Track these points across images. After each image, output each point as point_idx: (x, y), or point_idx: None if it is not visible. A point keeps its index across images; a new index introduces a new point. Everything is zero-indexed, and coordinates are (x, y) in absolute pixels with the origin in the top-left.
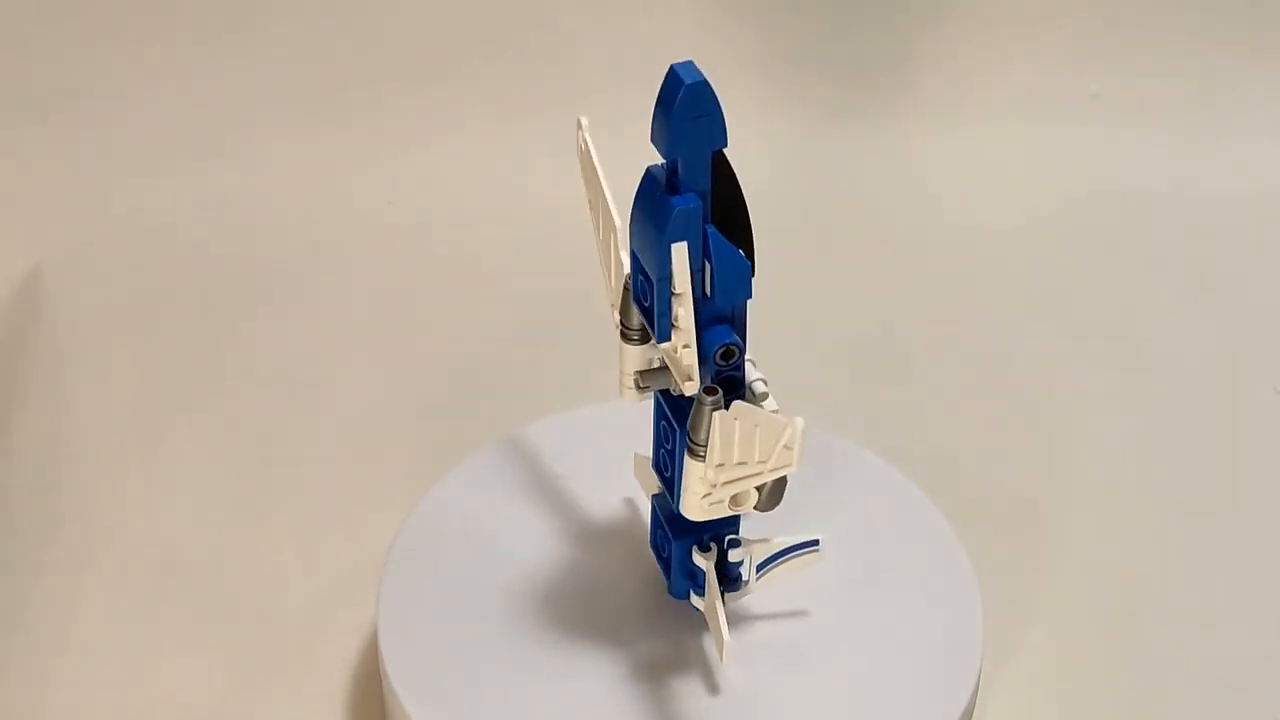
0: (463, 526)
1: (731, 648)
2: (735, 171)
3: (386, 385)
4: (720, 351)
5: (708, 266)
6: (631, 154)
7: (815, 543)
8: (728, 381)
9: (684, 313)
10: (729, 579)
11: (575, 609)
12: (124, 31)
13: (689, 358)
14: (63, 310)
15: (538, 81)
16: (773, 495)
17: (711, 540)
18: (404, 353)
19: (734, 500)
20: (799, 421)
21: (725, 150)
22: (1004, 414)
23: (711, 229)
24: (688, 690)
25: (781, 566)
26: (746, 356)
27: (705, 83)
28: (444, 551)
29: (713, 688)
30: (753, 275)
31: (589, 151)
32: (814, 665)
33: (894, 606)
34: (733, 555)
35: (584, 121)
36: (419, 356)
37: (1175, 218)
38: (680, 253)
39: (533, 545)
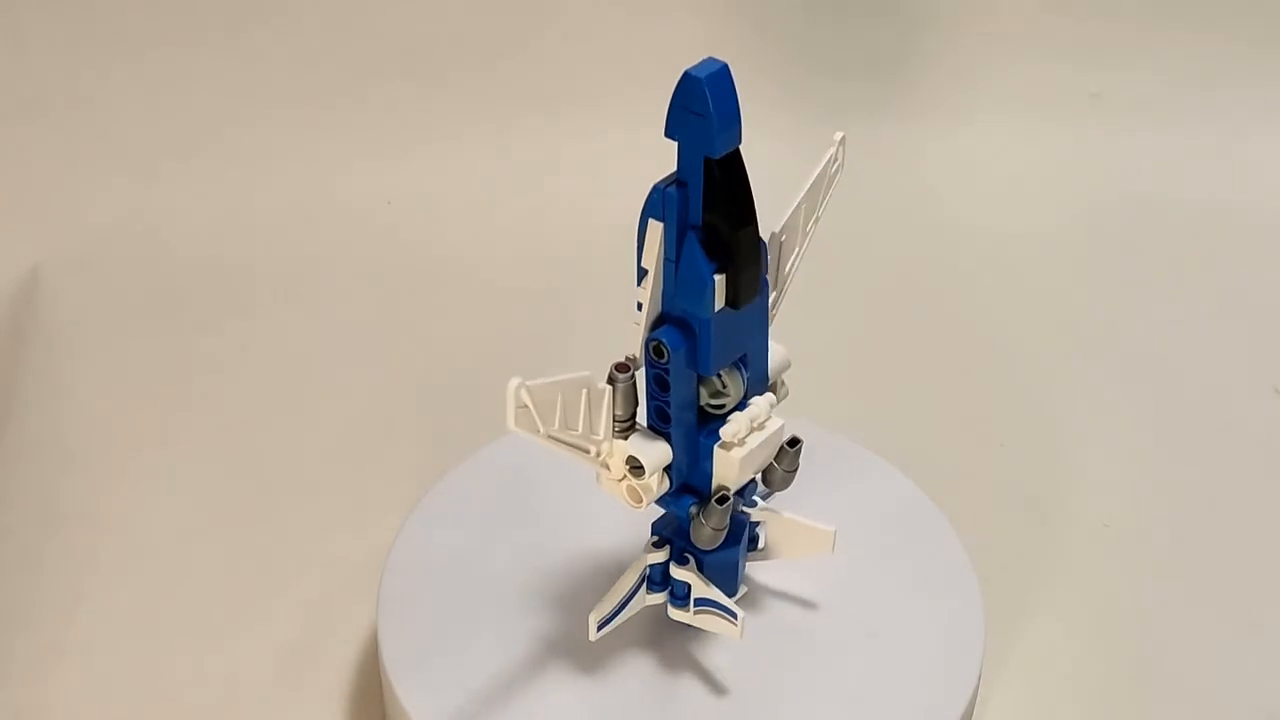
0: (463, 526)
1: (594, 622)
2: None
3: (386, 385)
4: (652, 345)
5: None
6: (630, 154)
7: (735, 615)
8: (659, 379)
9: (643, 292)
10: (675, 594)
11: (575, 608)
12: (124, 32)
13: (637, 335)
14: (62, 310)
15: (539, 82)
16: (712, 539)
17: (668, 543)
18: (404, 352)
19: (627, 491)
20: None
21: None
22: (1005, 414)
23: (693, 234)
24: (688, 690)
25: (706, 617)
26: (754, 402)
27: (701, 81)
28: (444, 552)
29: (714, 688)
30: (738, 303)
31: None
32: (814, 665)
33: (895, 606)
34: (674, 570)
35: None
36: (419, 356)
37: (1175, 217)
38: (654, 231)
39: (533, 545)
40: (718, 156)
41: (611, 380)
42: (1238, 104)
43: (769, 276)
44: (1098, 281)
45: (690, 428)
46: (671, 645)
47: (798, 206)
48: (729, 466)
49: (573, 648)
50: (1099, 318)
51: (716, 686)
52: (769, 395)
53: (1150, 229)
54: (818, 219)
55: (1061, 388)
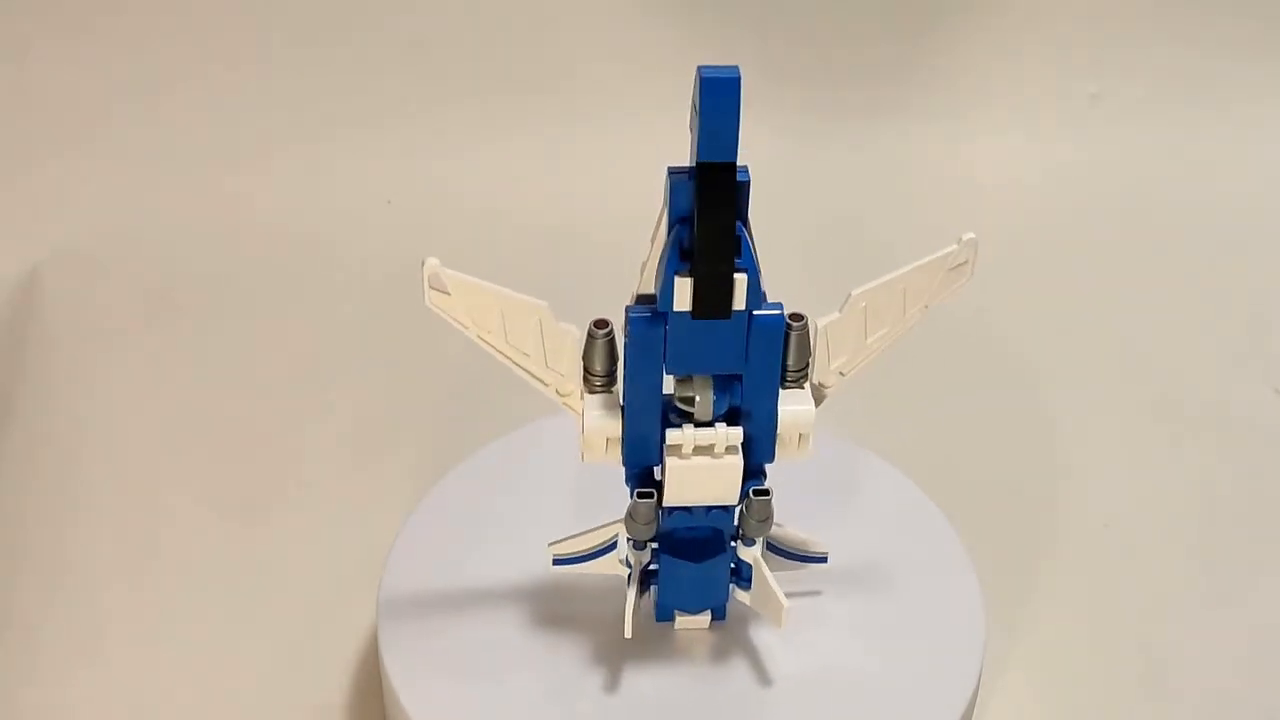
0: (463, 526)
1: (551, 553)
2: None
3: (387, 385)
4: (625, 318)
5: None
6: (626, 154)
7: (628, 616)
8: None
9: (645, 263)
10: (630, 577)
11: (576, 609)
12: (124, 32)
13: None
14: (62, 310)
15: (537, 82)
16: (638, 532)
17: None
18: (405, 352)
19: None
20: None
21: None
22: (1004, 414)
23: (681, 229)
24: (687, 689)
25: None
26: (717, 427)
27: (701, 79)
28: (444, 552)
29: (712, 688)
30: (695, 313)
31: None
32: (814, 665)
33: (894, 606)
34: (628, 551)
35: None
36: (420, 356)
37: (1175, 217)
38: (663, 215)
39: (534, 545)
40: (701, 160)
41: (590, 336)
42: (1238, 104)
43: (850, 341)
44: (1098, 281)
45: (650, 416)
46: (671, 645)
47: (891, 282)
48: (664, 470)
49: (574, 649)
50: (1099, 318)
51: (714, 686)
52: (736, 430)
53: (1150, 229)
54: (925, 309)
55: (1061, 388)
